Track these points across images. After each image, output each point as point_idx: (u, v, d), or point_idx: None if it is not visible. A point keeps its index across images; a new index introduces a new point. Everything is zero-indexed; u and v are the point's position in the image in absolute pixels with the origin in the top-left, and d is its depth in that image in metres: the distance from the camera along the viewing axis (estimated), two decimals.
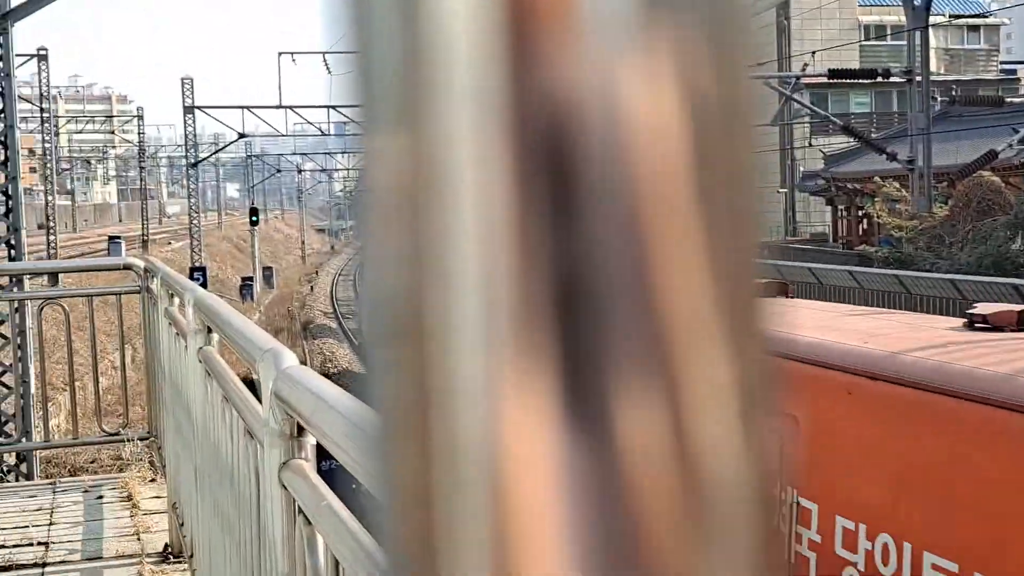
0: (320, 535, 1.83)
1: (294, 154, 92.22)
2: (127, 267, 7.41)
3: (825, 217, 47.08)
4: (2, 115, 12.51)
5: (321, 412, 1.76)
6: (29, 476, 12.10)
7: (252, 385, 2.78)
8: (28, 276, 12.36)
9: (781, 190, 50.68)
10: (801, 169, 48.25)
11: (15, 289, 10.74)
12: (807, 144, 46.99)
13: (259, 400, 2.73)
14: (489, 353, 0.28)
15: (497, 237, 0.28)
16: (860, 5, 52.49)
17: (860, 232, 41.07)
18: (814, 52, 28.88)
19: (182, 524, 5.10)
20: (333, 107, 40.46)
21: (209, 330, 3.77)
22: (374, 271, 0.30)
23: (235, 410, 2.91)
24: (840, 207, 43.79)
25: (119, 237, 56.95)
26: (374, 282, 0.30)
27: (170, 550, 5.78)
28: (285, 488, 2.06)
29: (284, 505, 2.08)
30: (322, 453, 1.96)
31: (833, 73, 27.38)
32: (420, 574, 0.28)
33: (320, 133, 45.65)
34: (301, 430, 2.10)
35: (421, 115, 0.29)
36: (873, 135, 32.41)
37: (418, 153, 0.29)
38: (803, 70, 27.38)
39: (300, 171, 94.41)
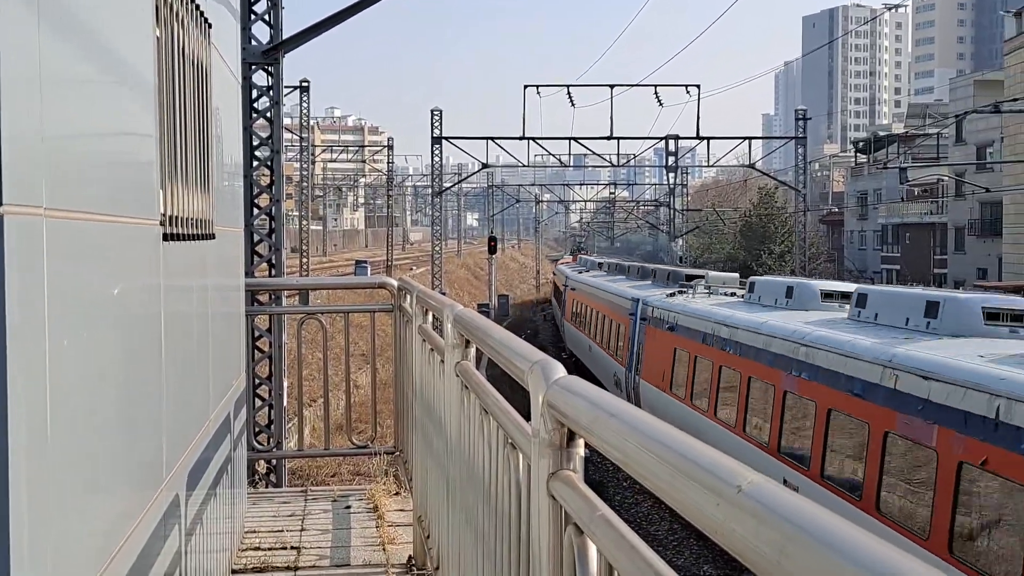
0: (594, 545, 1.82)
1: (532, 185, 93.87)
2: (382, 286, 7.68)
3: None
4: (270, 141, 13.27)
5: (601, 420, 1.75)
6: (278, 484, 12.70)
7: None
8: (286, 294, 13.02)
9: None
10: None
11: (274, 305, 11.32)
12: None
13: (518, 411, 2.76)
14: None
15: None
16: None
17: None
18: None
19: (428, 536, 5.21)
20: (574, 139, 40.91)
21: (467, 345, 3.84)
22: None
23: (495, 422, 2.95)
24: None
25: (365, 261, 59.45)
26: None
27: (414, 562, 5.93)
28: (554, 498, 2.06)
29: (552, 515, 2.08)
30: None
31: None
32: None
33: (560, 164, 46.17)
34: (570, 441, 2.10)
35: None
36: None
37: None
38: None
39: (538, 202, 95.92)
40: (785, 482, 13.40)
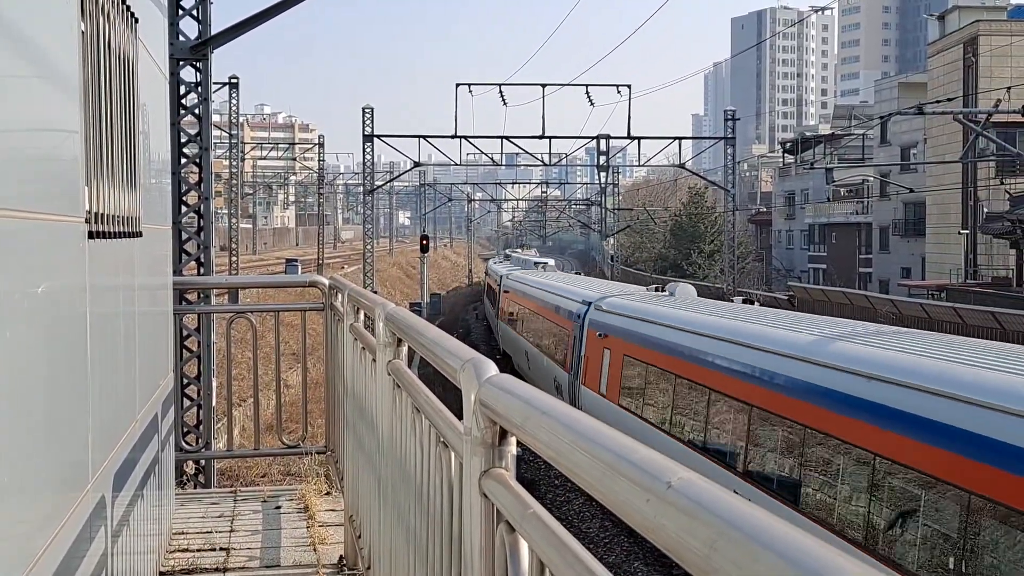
0: (526, 542, 1.82)
1: (465, 183, 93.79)
2: (313, 284, 7.61)
3: (1009, 260, 45.13)
4: (198, 138, 13.09)
5: (534, 417, 1.76)
6: (207, 485, 12.53)
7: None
8: (216, 292, 12.85)
9: (963, 231, 48.84)
10: (985, 210, 46.42)
11: (203, 304, 11.18)
12: (998, 182, 45.10)
13: (450, 409, 2.76)
14: None
15: None
16: None
17: None
18: (1009, 88, 27.74)
19: (359, 536, 5.18)
20: (506, 138, 40.94)
21: (399, 343, 3.83)
22: None
23: (427, 420, 2.94)
24: None
25: (296, 260, 58.95)
26: None
27: (345, 562, 5.89)
28: (486, 496, 2.06)
29: (484, 513, 2.08)
30: None
31: None
32: None
33: (492, 163, 46.18)
34: (502, 439, 2.10)
35: None
36: None
37: None
38: (995, 106, 26.26)
39: (470, 200, 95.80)
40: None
